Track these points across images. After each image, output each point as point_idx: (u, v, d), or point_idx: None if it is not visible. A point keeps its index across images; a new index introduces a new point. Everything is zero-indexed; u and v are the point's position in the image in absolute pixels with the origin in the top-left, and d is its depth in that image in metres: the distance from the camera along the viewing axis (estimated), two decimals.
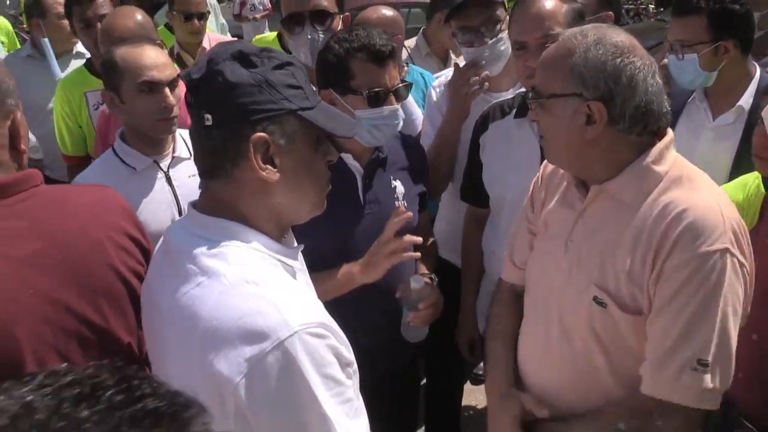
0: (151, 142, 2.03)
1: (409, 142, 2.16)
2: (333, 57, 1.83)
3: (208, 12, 3.63)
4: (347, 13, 2.37)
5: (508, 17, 2.14)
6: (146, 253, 1.39)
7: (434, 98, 2.47)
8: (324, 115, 1.17)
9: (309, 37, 2.19)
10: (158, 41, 2.58)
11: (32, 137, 2.93)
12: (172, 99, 1.98)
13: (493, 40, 2.20)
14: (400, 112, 1.89)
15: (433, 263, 2.16)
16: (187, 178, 2.01)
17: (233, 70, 1.10)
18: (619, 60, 1.34)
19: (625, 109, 1.34)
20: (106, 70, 2.00)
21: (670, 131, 1.44)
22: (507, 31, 2.19)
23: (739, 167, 2.12)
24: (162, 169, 2.05)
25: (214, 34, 3.97)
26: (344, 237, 1.86)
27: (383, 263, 1.75)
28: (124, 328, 1.31)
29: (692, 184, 1.38)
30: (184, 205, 1.97)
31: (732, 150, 2.25)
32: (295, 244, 1.27)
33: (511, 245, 1.76)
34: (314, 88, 1.22)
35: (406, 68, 2.90)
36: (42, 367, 0.69)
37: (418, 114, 2.54)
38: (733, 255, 1.30)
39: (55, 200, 1.29)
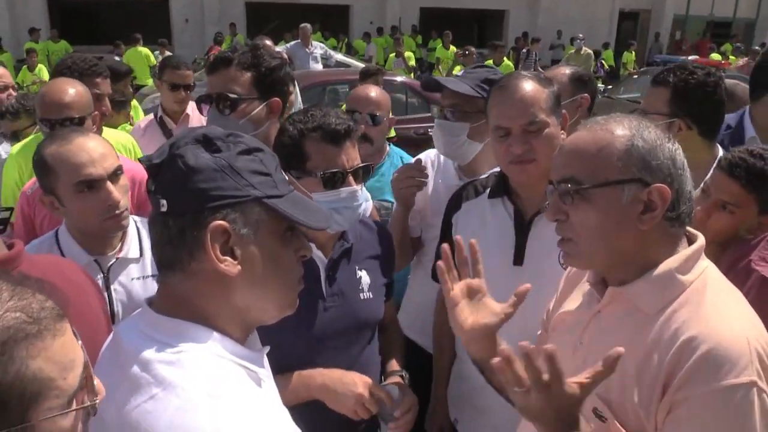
0: (96, 239, 1.85)
1: (377, 228, 2.05)
2: (288, 139, 1.76)
3: (194, 84, 3.82)
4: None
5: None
6: None
7: None
8: (295, 204, 1.09)
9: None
10: (95, 113, 2.51)
11: None
12: (116, 194, 1.79)
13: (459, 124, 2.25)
14: (362, 194, 1.80)
15: (401, 354, 2.03)
16: (130, 281, 1.86)
17: (195, 154, 1.03)
18: (668, 142, 1.25)
19: (680, 194, 1.24)
20: (39, 172, 1.80)
21: (701, 236, 1.31)
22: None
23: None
24: (102, 271, 1.86)
25: None
26: (305, 331, 1.74)
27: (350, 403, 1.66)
28: None
29: (716, 301, 1.20)
30: (120, 311, 1.84)
31: None
32: (259, 345, 1.16)
33: None
34: (286, 177, 1.14)
35: (387, 149, 2.87)
36: None
37: None
38: (762, 390, 1.09)
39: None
